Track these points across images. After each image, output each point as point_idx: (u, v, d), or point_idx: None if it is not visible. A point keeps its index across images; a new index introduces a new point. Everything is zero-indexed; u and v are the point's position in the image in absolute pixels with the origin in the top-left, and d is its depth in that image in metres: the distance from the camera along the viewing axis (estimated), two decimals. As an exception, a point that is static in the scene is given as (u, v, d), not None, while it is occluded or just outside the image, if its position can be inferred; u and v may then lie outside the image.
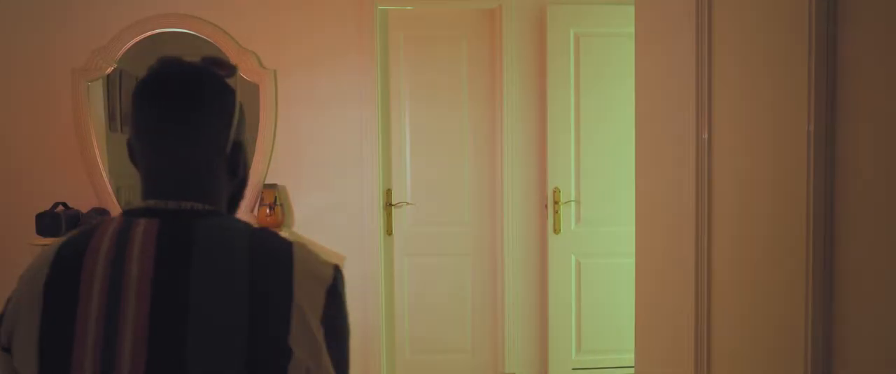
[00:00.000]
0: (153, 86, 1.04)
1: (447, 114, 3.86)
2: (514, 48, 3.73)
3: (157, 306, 0.93)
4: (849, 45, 1.51)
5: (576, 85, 3.73)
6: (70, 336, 0.93)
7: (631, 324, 2.72)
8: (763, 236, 1.83)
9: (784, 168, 1.71)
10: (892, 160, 1.38)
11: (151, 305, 0.93)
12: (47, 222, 3.29)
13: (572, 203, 3.75)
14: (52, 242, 3.22)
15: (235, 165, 1.08)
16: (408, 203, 3.84)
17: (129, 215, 1.02)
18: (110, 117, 3.74)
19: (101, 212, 3.50)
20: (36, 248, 3.19)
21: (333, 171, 3.69)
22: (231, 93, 1.08)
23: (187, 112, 1.03)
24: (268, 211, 3.57)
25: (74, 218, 3.40)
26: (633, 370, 2.76)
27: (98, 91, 3.64)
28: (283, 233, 3.54)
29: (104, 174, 3.58)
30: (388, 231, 3.83)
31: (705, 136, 2.09)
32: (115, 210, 3.58)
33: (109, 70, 3.58)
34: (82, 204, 3.53)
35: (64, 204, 3.45)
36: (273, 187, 3.62)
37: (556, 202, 3.73)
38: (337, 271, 1.03)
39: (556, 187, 3.73)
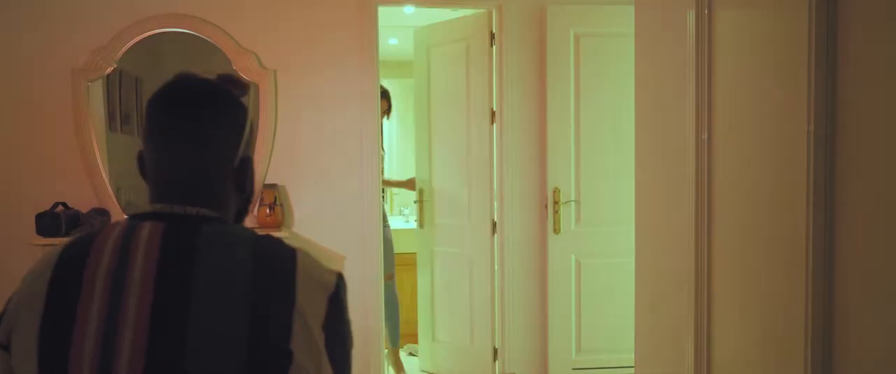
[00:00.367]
0: (168, 99, 1.07)
1: (447, 113, 3.86)
2: (514, 48, 3.73)
3: (158, 308, 0.93)
4: (849, 45, 1.51)
5: (576, 85, 3.73)
6: (69, 337, 0.93)
7: (631, 324, 2.71)
8: (763, 236, 1.83)
9: (784, 168, 1.71)
10: (893, 160, 1.38)
11: (152, 307, 0.93)
12: (47, 222, 3.28)
13: (572, 203, 3.75)
14: (52, 242, 3.22)
15: (243, 180, 1.10)
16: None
17: (135, 218, 1.02)
18: (110, 117, 3.74)
19: (102, 212, 3.50)
20: (36, 248, 3.19)
21: (333, 171, 3.69)
22: (244, 111, 1.12)
23: (200, 126, 1.05)
24: (268, 211, 3.57)
25: (74, 218, 3.39)
26: (632, 370, 2.76)
27: (98, 91, 3.63)
28: (283, 233, 3.54)
29: (104, 174, 3.58)
30: (388, 231, 3.83)
31: (705, 136, 2.09)
32: (116, 210, 3.57)
33: (109, 70, 3.58)
34: (82, 204, 3.53)
35: (64, 204, 3.45)
36: (273, 187, 3.62)
37: (556, 202, 3.73)
38: (339, 279, 1.05)
39: (556, 187, 3.73)
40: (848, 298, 1.53)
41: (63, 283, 0.97)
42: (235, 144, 1.09)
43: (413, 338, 4.21)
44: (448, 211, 3.96)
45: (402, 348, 4.14)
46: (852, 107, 1.50)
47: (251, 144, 1.13)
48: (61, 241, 1.05)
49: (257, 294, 0.95)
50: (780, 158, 1.73)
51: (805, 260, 1.61)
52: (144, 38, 3.57)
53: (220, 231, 1.01)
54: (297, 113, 3.66)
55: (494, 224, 3.85)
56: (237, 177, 1.10)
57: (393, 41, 4.92)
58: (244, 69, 3.57)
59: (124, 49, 3.55)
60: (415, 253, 4.17)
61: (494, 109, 3.81)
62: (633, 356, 2.70)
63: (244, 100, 1.13)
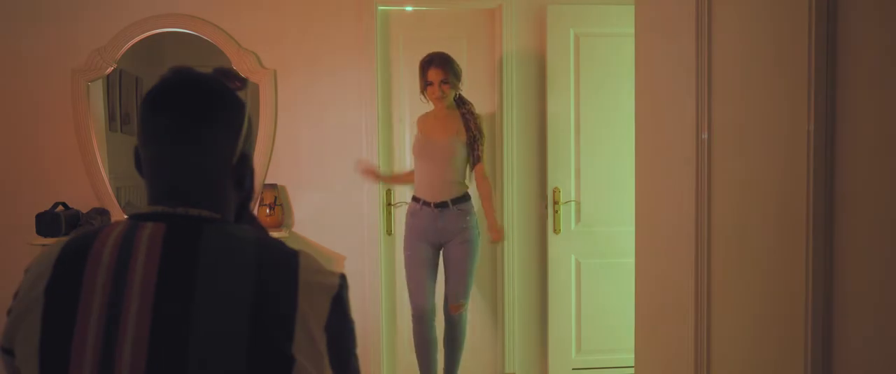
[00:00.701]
0: (164, 95, 1.04)
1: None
2: (514, 48, 3.73)
3: (159, 310, 0.93)
4: (849, 44, 1.51)
5: (576, 85, 3.73)
6: (70, 337, 0.93)
7: (631, 324, 2.71)
8: (763, 236, 1.83)
9: (784, 168, 1.71)
10: (893, 160, 1.38)
11: (154, 309, 0.93)
12: (47, 222, 3.29)
13: (572, 203, 3.75)
14: (51, 242, 3.21)
15: (242, 177, 1.09)
16: (407, 203, 3.84)
17: (135, 218, 1.02)
18: (110, 117, 3.74)
19: (102, 212, 3.50)
20: (36, 248, 3.19)
21: (333, 171, 3.69)
22: (241, 105, 1.09)
23: (197, 122, 1.03)
24: (268, 211, 3.57)
25: (74, 218, 3.39)
26: (632, 370, 2.76)
27: (98, 91, 3.64)
28: (283, 233, 3.54)
29: (104, 174, 3.58)
30: (388, 231, 3.83)
31: (705, 136, 2.09)
32: (116, 210, 3.58)
33: (109, 70, 3.58)
34: (82, 204, 3.53)
35: (64, 204, 3.45)
36: (273, 187, 3.62)
37: (556, 202, 3.73)
38: (342, 280, 1.04)
39: (556, 187, 3.73)
40: (848, 298, 1.53)
41: (62, 285, 0.96)
42: (234, 140, 1.07)
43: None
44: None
45: None
46: (852, 106, 1.50)
47: (250, 140, 1.12)
48: (61, 240, 1.04)
49: (259, 297, 0.95)
50: (780, 158, 1.73)
51: (805, 260, 1.61)
52: (144, 38, 3.57)
53: (222, 233, 1.00)
54: (297, 113, 3.66)
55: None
56: (236, 174, 1.08)
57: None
58: (244, 69, 3.57)
59: (124, 49, 3.56)
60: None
61: (494, 108, 3.81)
62: (633, 356, 2.70)
63: (242, 94, 1.11)
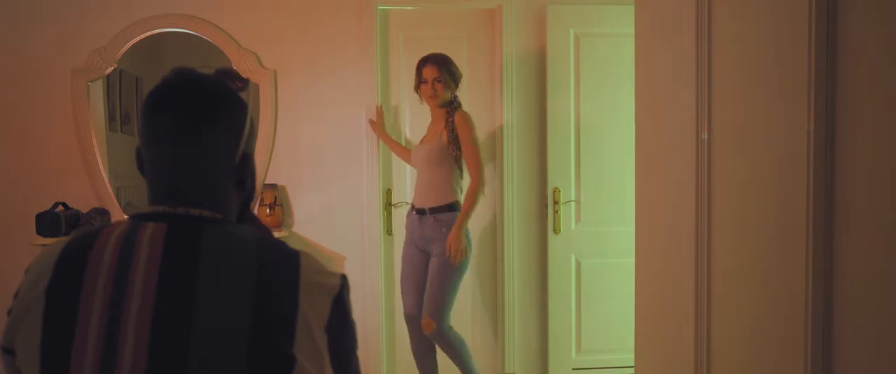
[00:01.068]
0: (166, 96, 1.05)
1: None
2: (514, 48, 3.74)
3: (160, 310, 0.93)
4: (849, 44, 1.51)
5: (576, 85, 3.73)
6: (71, 337, 0.93)
7: (631, 324, 2.71)
8: (763, 236, 1.83)
9: (784, 168, 1.71)
10: (893, 160, 1.38)
11: (155, 309, 0.93)
12: (47, 222, 3.29)
13: (572, 203, 3.75)
14: (51, 242, 3.22)
15: (244, 177, 1.09)
16: (408, 203, 3.84)
17: (137, 218, 1.02)
18: (110, 117, 3.74)
19: (102, 212, 3.50)
20: (36, 248, 3.19)
21: (333, 171, 3.69)
22: (243, 106, 1.09)
23: (199, 123, 1.04)
24: (268, 211, 3.58)
25: (74, 218, 3.40)
26: (632, 370, 2.76)
27: (98, 91, 3.64)
28: (283, 233, 3.54)
29: (104, 174, 3.58)
30: (388, 231, 3.83)
31: (705, 136, 2.09)
32: (116, 210, 3.58)
33: (109, 70, 3.58)
34: (82, 204, 3.53)
35: (64, 204, 3.45)
36: (273, 187, 3.62)
37: (556, 202, 3.73)
38: (343, 280, 1.04)
39: (556, 187, 3.73)
40: (848, 298, 1.53)
41: (64, 284, 0.96)
42: (236, 141, 1.07)
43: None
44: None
45: None
46: (852, 106, 1.50)
47: (252, 140, 1.12)
48: (61, 240, 1.04)
49: (260, 297, 0.95)
50: (780, 158, 1.74)
51: (805, 260, 1.61)
52: (144, 38, 3.57)
53: (223, 233, 1.00)
54: (297, 113, 3.66)
55: (494, 224, 3.85)
56: (238, 175, 1.08)
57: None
58: (244, 69, 3.57)
59: (124, 49, 3.56)
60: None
61: (494, 108, 3.81)
62: (633, 356, 2.70)
63: (243, 95, 1.12)
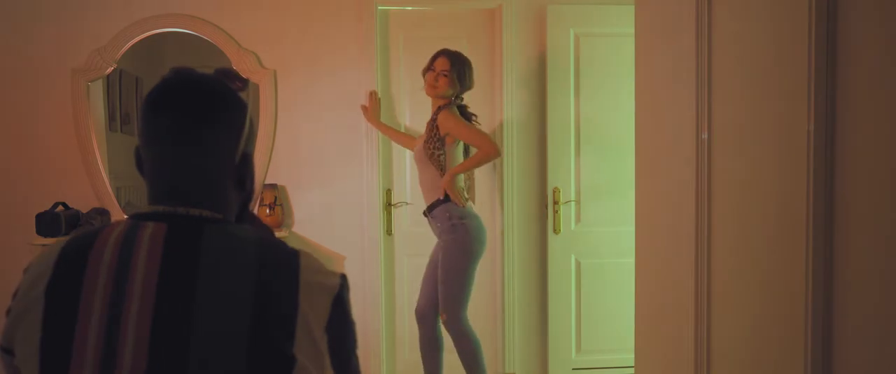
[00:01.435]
0: (165, 95, 1.05)
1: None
2: (514, 48, 3.73)
3: (160, 310, 0.93)
4: (849, 44, 1.51)
5: (576, 85, 3.73)
6: (71, 337, 0.93)
7: (631, 324, 2.71)
8: (763, 236, 1.83)
9: (784, 168, 1.71)
10: (893, 160, 1.38)
11: (155, 309, 0.93)
12: (47, 222, 3.29)
13: (572, 203, 3.75)
14: (51, 242, 3.21)
15: (243, 178, 1.09)
16: (408, 203, 3.84)
17: (136, 218, 1.01)
18: (110, 117, 3.74)
19: (102, 212, 3.50)
20: (36, 248, 3.19)
21: (333, 171, 3.69)
22: (243, 106, 1.09)
23: (198, 123, 1.03)
24: (268, 211, 3.58)
25: (74, 218, 3.40)
26: (632, 370, 2.76)
27: (98, 91, 3.64)
28: (283, 233, 3.54)
29: (104, 174, 3.58)
30: (388, 231, 3.83)
31: (705, 136, 2.09)
32: (116, 210, 3.58)
33: (109, 70, 3.58)
34: (82, 204, 3.53)
35: (64, 204, 3.45)
36: (273, 187, 3.62)
37: (556, 202, 3.73)
38: (343, 280, 1.04)
39: (556, 187, 3.73)
40: (848, 298, 1.53)
41: (63, 284, 0.96)
42: (235, 141, 1.07)
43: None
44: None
45: None
46: (852, 106, 1.50)
47: (251, 140, 1.12)
48: (61, 240, 1.04)
49: (260, 296, 0.95)
50: (780, 158, 1.73)
51: (805, 260, 1.61)
52: (144, 38, 3.57)
53: (223, 233, 1.00)
54: (297, 113, 3.66)
55: (494, 224, 3.85)
56: (238, 174, 1.08)
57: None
58: (244, 69, 3.57)
59: (124, 49, 3.56)
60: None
61: (494, 108, 3.81)
62: (633, 356, 2.70)
63: (243, 95, 1.12)
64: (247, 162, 1.10)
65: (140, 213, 1.02)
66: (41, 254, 1.03)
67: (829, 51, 1.55)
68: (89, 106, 3.56)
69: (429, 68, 3.29)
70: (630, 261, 2.76)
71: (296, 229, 3.69)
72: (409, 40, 3.80)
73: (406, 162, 3.85)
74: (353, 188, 3.69)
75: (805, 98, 1.60)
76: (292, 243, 1.07)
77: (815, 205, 1.58)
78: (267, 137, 3.63)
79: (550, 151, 3.72)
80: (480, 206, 3.85)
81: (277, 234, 3.40)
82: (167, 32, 3.58)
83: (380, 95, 3.70)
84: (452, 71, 3.23)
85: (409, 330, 3.89)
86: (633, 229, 2.64)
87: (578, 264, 3.79)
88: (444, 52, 3.29)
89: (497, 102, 3.80)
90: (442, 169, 3.20)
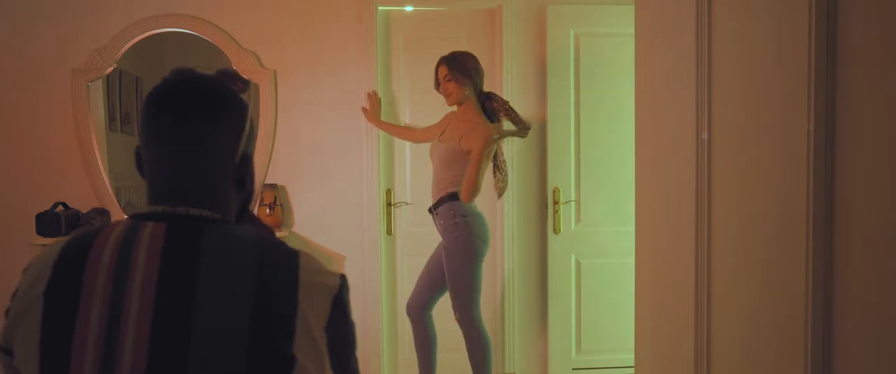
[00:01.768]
0: (166, 96, 1.05)
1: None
2: (514, 48, 3.73)
3: (160, 310, 0.93)
4: (849, 44, 1.51)
5: (576, 85, 3.73)
6: (70, 338, 0.93)
7: (631, 324, 2.71)
8: (763, 236, 1.83)
9: (784, 168, 1.71)
10: (893, 160, 1.38)
11: (155, 309, 0.93)
12: (47, 222, 3.29)
13: (572, 203, 3.75)
14: (51, 242, 3.21)
15: (243, 178, 1.09)
16: (408, 203, 3.84)
17: (136, 218, 1.02)
18: (110, 117, 3.74)
19: (102, 212, 3.50)
20: (36, 248, 3.19)
21: (333, 171, 3.69)
22: (244, 107, 1.09)
23: (199, 123, 1.04)
24: (268, 211, 3.58)
25: (74, 218, 3.40)
26: (632, 370, 2.76)
27: (98, 91, 3.64)
28: (283, 233, 3.54)
29: (104, 174, 3.58)
30: (388, 231, 3.83)
31: (705, 136, 2.09)
32: (116, 210, 3.58)
33: (109, 70, 3.58)
34: (82, 204, 3.53)
35: (64, 204, 3.45)
36: (273, 187, 3.62)
37: (556, 202, 3.73)
38: (343, 280, 1.04)
39: (556, 187, 3.73)
40: (848, 298, 1.53)
41: (63, 284, 0.96)
42: (236, 141, 1.07)
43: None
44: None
45: None
46: (852, 106, 1.50)
47: (252, 140, 1.12)
48: (61, 240, 1.04)
49: (260, 296, 0.95)
50: (780, 158, 1.74)
51: (805, 260, 1.61)
52: (144, 38, 3.57)
53: (222, 233, 1.00)
54: (297, 113, 3.66)
55: (494, 224, 3.85)
56: (238, 175, 1.08)
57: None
58: (244, 69, 3.57)
59: (124, 49, 3.56)
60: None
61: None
62: (633, 356, 2.70)
63: (244, 96, 1.12)
64: (247, 162, 1.10)
65: (140, 213, 1.02)
66: (41, 254, 1.03)
67: (829, 51, 1.55)
68: (89, 106, 3.56)
69: (437, 82, 3.30)
70: (630, 261, 2.76)
71: (296, 229, 3.69)
72: (409, 40, 3.80)
73: (406, 162, 3.85)
74: (353, 188, 3.69)
75: (805, 98, 1.60)
76: (292, 243, 1.07)
77: (815, 205, 1.58)
78: (267, 137, 3.63)
79: (550, 151, 3.72)
80: (481, 206, 3.85)
81: (277, 234, 3.40)
82: (167, 32, 3.58)
83: (380, 96, 3.70)
84: (454, 71, 3.23)
85: (409, 330, 3.89)
86: (633, 229, 2.64)
87: (578, 264, 3.79)
88: (441, 61, 3.29)
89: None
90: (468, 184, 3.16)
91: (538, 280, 3.83)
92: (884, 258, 1.41)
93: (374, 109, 3.63)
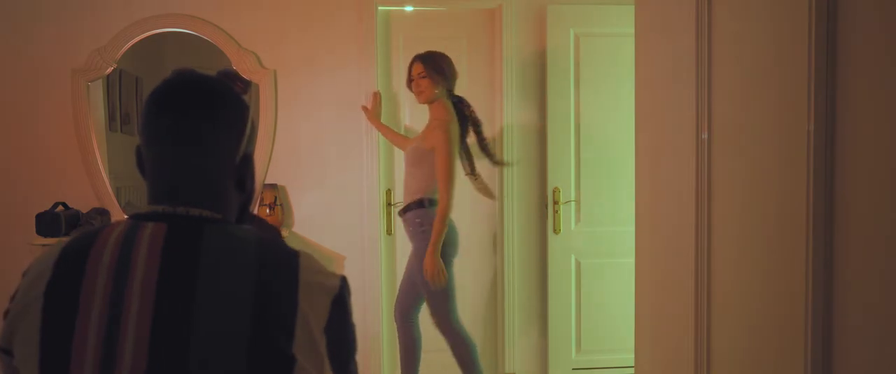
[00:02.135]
0: (167, 96, 1.05)
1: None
2: (514, 48, 3.73)
3: (160, 311, 0.93)
4: (849, 44, 1.51)
5: (576, 85, 3.73)
6: (70, 338, 0.93)
7: (631, 324, 2.71)
8: (763, 236, 1.83)
9: (784, 168, 1.71)
10: (893, 160, 1.38)
11: (155, 310, 0.93)
12: (47, 222, 3.29)
13: (572, 203, 3.75)
14: (51, 242, 3.22)
15: (244, 178, 1.09)
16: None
17: (136, 218, 1.01)
18: (110, 117, 3.74)
19: (102, 212, 3.50)
20: (36, 248, 3.19)
21: (333, 171, 3.69)
22: (245, 107, 1.09)
23: (199, 123, 1.04)
24: (268, 211, 3.58)
25: (74, 218, 3.40)
26: (632, 370, 2.76)
27: (98, 91, 3.64)
28: (283, 233, 3.54)
29: (104, 174, 3.58)
30: (388, 231, 3.82)
31: (705, 136, 2.09)
32: (116, 210, 3.58)
33: (109, 70, 3.58)
34: (82, 204, 3.53)
35: (64, 204, 3.45)
36: (273, 187, 3.62)
37: (556, 202, 3.73)
38: (343, 281, 1.04)
39: (556, 187, 3.73)
40: (848, 298, 1.53)
41: (63, 284, 0.96)
42: (237, 141, 1.07)
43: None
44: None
45: None
46: (852, 106, 1.50)
47: (252, 141, 1.12)
48: (61, 241, 1.04)
49: (260, 296, 0.95)
50: (780, 158, 1.74)
51: (805, 260, 1.61)
52: (144, 38, 3.57)
53: (223, 233, 1.00)
54: (296, 113, 3.66)
55: (494, 224, 3.85)
56: (238, 175, 1.08)
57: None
58: (244, 69, 3.57)
59: (124, 49, 3.56)
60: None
61: (494, 108, 3.81)
62: (633, 356, 2.70)
63: (245, 96, 1.12)
64: (247, 163, 1.10)
65: (140, 213, 1.02)
66: (41, 255, 1.03)
67: (829, 51, 1.55)
68: (89, 106, 3.56)
69: (409, 79, 3.29)
70: (630, 261, 2.76)
71: (296, 229, 3.69)
72: (409, 40, 3.80)
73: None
74: (353, 188, 3.69)
75: (805, 98, 1.60)
76: (292, 243, 1.07)
77: (815, 205, 1.58)
78: (267, 137, 3.63)
79: (550, 151, 3.72)
80: (481, 205, 3.85)
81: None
82: (167, 32, 3.58)
83: (382, 96, 3.70)
84: (429, 68, 3.22)
85: (409, 330, 3.89)
86: (633, 229, 2.64)
87: (578, 264, 3.79)
88: (416, 58, 3.29)
89: (497, 102, 3.80)
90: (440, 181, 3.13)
91: (538, 280, 3.83)
92: (884, 258, 1.41)
93: (375, 110, 3.63)
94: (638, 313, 2.64)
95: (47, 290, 0.96)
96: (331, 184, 3.70)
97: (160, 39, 3.59)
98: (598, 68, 3.72)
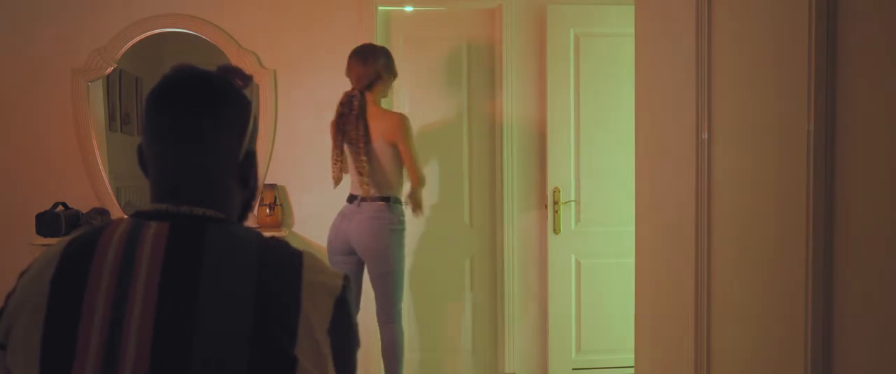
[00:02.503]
0: (168, 92, 1.04)
1: (447, 114, 3.86)
2: (514, 48, 3.73)
3: (163, 310, 0.93)
4: (849, 44, 1.51)
5: (576, 85, 3.73)
6: (73, 337, 0.92)
7: (631, 324, 2.71)
8: (763, 236, 1.83)
9: (784, 168, 1.71)
10: (893, 160, 1.38)
11: (158, 309, 0.93)
12: (47, 222, 3.29)
13: (572, 203, 3.75)
14: (52, 242, 3.21)
15: (247, 175, 1.08)
16: (407, 203, 3.83)
17: (139, 216, 1.01)
18: (110, 117, 3.74)
19: (102, 212, 3.50)
20: (36, 248, 3.19)
21: (333, 171, 3.69)
22: (246, 103, 1.08)
23: (201, 120, 1.03)
24: (268, 211, 3.58)
25: (74, 218, 3.40)
26: (632, 370, 2.76)
27: (98, 91, 3.64)
28: (283, 232, 3.54)
29: (104, 174, 3.58)
30: (388, 231, 3.82)
31: (705, 136, 2.09)
32: (116, 210, 3.58)
33: (109, 70, 3.58)
34: (82, 204, 3.53)
35: (64, 204, 3.45)
36: (273, 187, 3.62)
37: (556, 202, 3.73)
38: (346, 282, 1.03)
39: (556, 187, 3.73)
40: (848, 298, 1.53)
41: (66, 282, 0.96)
42: (239, 138, 1.06)
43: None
44: (448, 211, 3.95)
45: None
46: (852, 106, 1.50)
47: (255, 137, 1.11)
48: (60, 241, 1.04)
49: (262, 296, 0.94)
50: (780, 158, 1.74)
51: (805, 260, 1.61)
52: (144, 38, 3.58)
53: (226, 233, 1.00)
54: (296, 113, 3.66)
55: (494, 224, 3.85)
56: (241, 172, 1.08)
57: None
58: (244, 69, 3.56)
59: (124, 49, 3.56)
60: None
61: (494, 108, 3.81)
62: (633, 356, 2.70)
63: (247, 91, 1.11)
64: (250, 159, 1.09)
65: (142, 211, 1.02)
66: (44, 252, 1.02)
67: (829, 51, 1.55)
68: (89, 106, 3.56)
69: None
70: (630, 261, 2.76)
71: (296, 229, 3.69)
72: (409, 40, 3.80)
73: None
74: (353, 188, 3.68)
75: (805, 98, 1.60)
76: (292, 243, 1.06)
77: (815, 205, 1.58)
78: (267, 138, 3.63)
79: (550, 151, 3.72)
80: (481, 205, 3.85)
81: (277, 234, 3.40)
82: (167, 32, 3.58)
83: None
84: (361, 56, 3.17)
85: (408, 330, 3.89)
86: (633, 229, 2.64)
87: (578, 264, 3.79)
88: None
89: (497, 102, 3.80)
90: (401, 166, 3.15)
91: (538, 280, 3.83)
92: (884, 258, 1.41)
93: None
94: (638, 313, 2.64)
95: (52, 286, 0.95)
96: (331, 184, 3.69)
97: (160, 39, 3.60)
98: (598, 68, 3.72)
